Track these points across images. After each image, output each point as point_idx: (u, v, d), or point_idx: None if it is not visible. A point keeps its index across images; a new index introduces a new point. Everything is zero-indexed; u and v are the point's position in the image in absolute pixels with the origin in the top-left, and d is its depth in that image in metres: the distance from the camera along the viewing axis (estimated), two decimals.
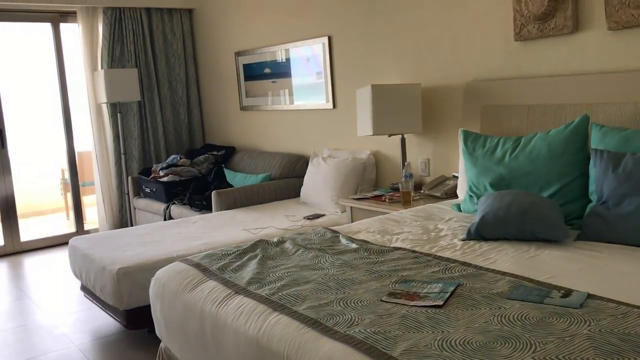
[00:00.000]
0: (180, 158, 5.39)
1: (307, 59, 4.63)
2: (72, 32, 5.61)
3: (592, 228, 2.32)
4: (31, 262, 5.16)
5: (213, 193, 4.36)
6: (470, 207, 2.87)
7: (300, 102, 4.80)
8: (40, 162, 7.22)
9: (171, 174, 5.10)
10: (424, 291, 1.82)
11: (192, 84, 6.08)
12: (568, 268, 1.99)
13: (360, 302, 1.77)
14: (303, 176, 4.67)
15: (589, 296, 1.69)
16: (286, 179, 4.66)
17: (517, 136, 2.85)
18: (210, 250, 3.17)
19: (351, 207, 3.64)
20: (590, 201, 2.51)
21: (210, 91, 6.04)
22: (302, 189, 4.36)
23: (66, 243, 5.66)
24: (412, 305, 1.71)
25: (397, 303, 1.74)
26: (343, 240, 2.53)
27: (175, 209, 4.82)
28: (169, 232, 3.72)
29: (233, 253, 2.43)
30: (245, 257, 2.36)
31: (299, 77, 4.78)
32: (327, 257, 2.27)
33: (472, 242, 2.38)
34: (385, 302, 1.76)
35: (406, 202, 3.34)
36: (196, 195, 4.75)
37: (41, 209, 7.23)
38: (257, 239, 3.29)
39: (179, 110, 6.02)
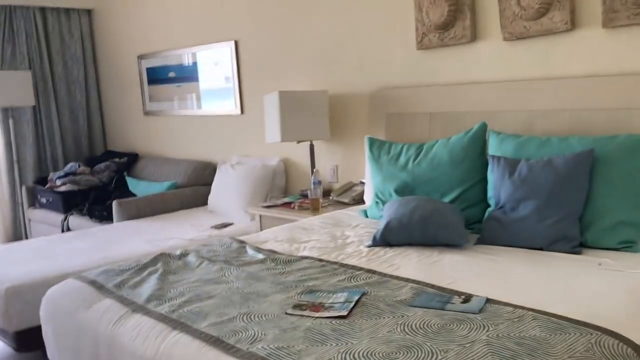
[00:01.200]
0: (79, 166, 5.12)
1: (215, 63, 4.53)
2: None
3: (490, 232, 2.40)
4: None
5: (114, 203, 4.16)
6: (376, 213, 2.90)
7: (208, 107, 4.68)
8: None
9: (69, 182, 4.82)
10: (329, 301, 1.80)
11: (92, 87, 5.79)
12: (468, 272, 2.04)
13: (265, 315, 1.72)
14: (211, 184, 4.55)
15: (488, 301, 1.74)
16: (193, 187, 4.53)
17: (420, 143, 2.91)
18: (109, 265, 3.01)
19: (260, 215, 3.58)
20: (489, 206, 2.60)
21: (112, 95, 5.78)
22: (210, 197, 4.25)
23: None
24: (317, 317, 1.69)
25: (302, 315, 1.71)
26: (250, 251, 2.47)
27: (73, 220, 4.55)
28: (66, 245, 3.50)
29: (132, 268, 2.31)
30: (145, 272, 2.25)
31: (206, 81, 4.66)
32: (232, 270, 2.20)
33: (377, 249, 2.39)
34: (290, 314, 1.72)
35: (315, 209, 3.33)
36: (96, 205, 4.51)
37: None
38: (160, 251, 3.17)
39: (77, 115, 5.71)
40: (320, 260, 2.26)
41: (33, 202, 5.15)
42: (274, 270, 2.17)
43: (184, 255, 2.47)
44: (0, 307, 2.78)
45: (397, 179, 2.81)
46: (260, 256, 2.37)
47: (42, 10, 5.44)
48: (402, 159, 2.85)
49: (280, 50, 4.04)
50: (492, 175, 2.52)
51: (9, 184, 5.35)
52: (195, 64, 4.72)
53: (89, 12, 5.74)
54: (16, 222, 5.39)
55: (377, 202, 2.91)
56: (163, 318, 1.77)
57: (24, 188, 5.18)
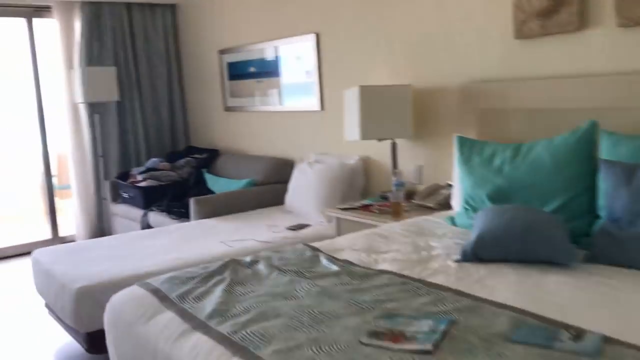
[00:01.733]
0: (161, 162, 5.11)
1: (297, 57, 4.36)
2: (49, 28, 5.31)
3: (602, 249, 2.06)
4: (2, 271, 4.87)
5: (191, 200, 4.09)
6: (465, 221, 2.60)
7: (289, 103, 4.52)
8: (19, 163, 6.93)
9: (150, 178, 4.82)
10: (412, 330, 1.55)
11: (175, 83, 5.80)
12: (577, 299, 1.73)
13: (337, 344, 1.50)
14: (288, 182, 4.39)
15: (605, 339, 1.43)
16: (271, 185, 4.39)
17: (517, 143, 2.58)
18: (182, 266, 2.91)
19: (337, 217, 3.37)
20: (598, 217, 2.25)
21: (194, 91, 5.76)
22: (287, 197, 4.09)
23: None
24: (396, 350, 1.45)
25: (379, 346, 1.47)
26: (324, 261, 2.26)
27: (153, 217, 4.54)
28: (141, 244, 3.44)
29: (198, 276, 2.16)
30: (212, 282, 2.09)
31: (287, 76, 4.51)
32: (303, 283, 2.00)
33: (467, 265, 2.11)
34: (365, 344, 1.49)
35: (396, 214, 3.07)
36: (175, 201, 4.47)
37: (24, 212, 6.93)
38: (232, 254, 3.04)
39: (160, 111, 5.74)
40: (402, 276, 2.01)
41: (116, 197, 5.21)
42: (348, 285, 1.95)
43: (254, 262, 2.29)
44: (72, 307, 2.73)
45: (491, 183, 2.50)
46: (335, 268, 2.15)
47: (128, 6, 5.48)
48: (497, 161, 2.54)
49: (362, 42, 3.80)
50: (605, 182, 2.17)
51: (95, 178, 5.44)
52: (276, 58, 4.57)
53: (172, 7, 5.74)
54: (101, 217, 5.48)
55: (466, 209, 2.61)
56: (224, 339, 1.59)
57: (107, 183, 5.25)
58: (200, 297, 1.95)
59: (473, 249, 2.13)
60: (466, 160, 2.67)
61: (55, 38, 5.23)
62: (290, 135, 4.57)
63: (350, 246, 2.48)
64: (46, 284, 3.09)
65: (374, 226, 2.95)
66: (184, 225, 3.86)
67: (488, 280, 1.94)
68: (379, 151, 3.78)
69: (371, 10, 3.70)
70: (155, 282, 2.14)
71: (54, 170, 6.10)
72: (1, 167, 6.85)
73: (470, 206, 2.59)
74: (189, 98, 5.85)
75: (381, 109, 3.31)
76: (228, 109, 5.24)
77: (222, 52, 5.17)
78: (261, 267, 2.23)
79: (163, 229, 3.82)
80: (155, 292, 2.02)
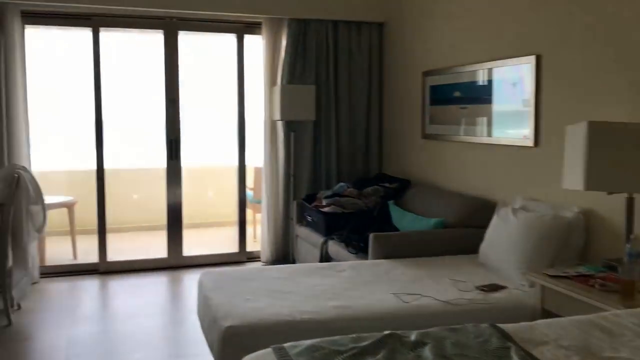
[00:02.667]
0: (348, 187, 4.79)
1: (512, 83, 3.71)
2: (255, 45, 5.36)
3: None
4: (189, 280, 4.93)
5: (371, 235, 3.66)
6: None
7: (497, 135, 3.88)
8: (216, 174, 7.26)
9: (334, 204, 4.52)
10: None
11: (374, 104, 5.47)
12: None
13: None
14: (486, 228, 3.71)
15: None
16: (464, 229, 3.77)
17: None
18: (342, 319, 2.49)
19: (543, 285, 2.66)
20: None
21: (393, 114, 5.36)
22: (482, 246, 3.44)
23: (229, 263, 5.39)
24: None
25: None
26: (515, 358, 1.64)
27: (332, 246, 4.21)
28: (307, 281, 3.09)
29: (345, 352, 1.69)
30: None
31: (497, 104, 3.87)
32: None
33: None
34: None
35: (628, 296, 2.29)
36: (355, 233, 4.09)
37: (219, 221, 7.23)
38: (404, 314, 2.53)
39: (356, 133, 5.45)
40: None
41: (301, 219, 5.01)
42: None
43: (419, 344, 1.76)
44: (219, 346, 2.46)
45: None
46: None
47: (335, 23, 5.30)
48: None
49: (594, 66, 3.04)
50: None
51: (284, 197, 5.33)
52: (487, 82, 3.96)
53: (380, 25, 5.43)
54: (286, 237, 5.35)
55: None
56: None
57: (295, 203, 5.09)
58: None
59: None
60: None
61: (261, 54, 5.24)
62: (495, 172, 3.91)
63: (556, 339, 1.82)
64: (202, 310, 2.90)
65: (594, 310, 2.21)
66: (358, 264, 3.44)
67: None
68: (607, 205, 2.96)
69: (608, 29, 2.93)
70: (293, 350, 1.72)
71: (250, 183, 6.19)
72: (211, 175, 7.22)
73: None
74: (387, 121, 5.47)
75: (616, 153, 2.54)
76: (426, 136, 4.74)
77: (426, 74, 4.69)
78: (427, 354, 1.68)
79: (335, 265, 3.44)
80: None
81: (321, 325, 2.50)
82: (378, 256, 3.61)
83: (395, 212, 4.26)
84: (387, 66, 5.42)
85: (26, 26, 4.72)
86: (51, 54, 6.11)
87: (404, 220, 4.11)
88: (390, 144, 5.42)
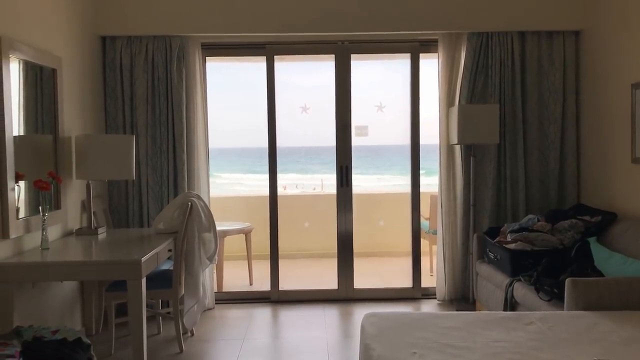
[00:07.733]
0: (538, 220, 4.15)
1: None
2: (428, 65, 5.00)
3: None
4: (359, 315, 4.64)
5: (568, 280, 3.04)
6: None
7: None
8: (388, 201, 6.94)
9: (521, 240, 3.92)
10: None
11: (569, 124, 4.75)
12: None
13: None
14: None
15: None
16: None
17: None
18: None
19: None
20: None
21: (593, 135, 4.59)
22: None
23: (402, 299, 5.01)
24: None
25: None
26: None
27: (519, 288, 3.64)
28: (487, 334, 2.59)
29: None
30: None
31: None
32: None
33: None
34: None
35: None
36: (548, 275, 3.46)
37: (391, 251, 6.93)
38: None
39: (548, 157, 4.77)
40: None
41: (481, 255, 4.47)
42: None
43: None
44: None
45: None
46: None
47: (522, 34, 4.72)
48: None
49: None
50: None
51: (463, 229, 4.83)
52: None
53: (576, 34, 4.73)
54: (465, 274, 4.83)
55: None
56: None
57: (475, 236, 4.56)
58: None
59: None
60: None
61: (437, 73, 4.84)
62: None
63: None
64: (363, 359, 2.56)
65: None
66: (551, 315, 2.85)
67: None
68: None
69: None
70: None
71: (425, 212, 5.76)
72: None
73: None
74: (586, 143, 4.71)
75: None
76: (637, 160, 3.93)
77: (636, 86, 3.91)
78: None
79: (522, 315, 2.89)
80: None
81: None
82: (577, 306, 2.97)
83: (599, 252, 3.53)
84: (585, 79, 4.68)
85: (207, 58, 4.90)
86: (227, 83, 6.34)
87: (611, 262, 3.38)
88: (590, 170, 4.64)
